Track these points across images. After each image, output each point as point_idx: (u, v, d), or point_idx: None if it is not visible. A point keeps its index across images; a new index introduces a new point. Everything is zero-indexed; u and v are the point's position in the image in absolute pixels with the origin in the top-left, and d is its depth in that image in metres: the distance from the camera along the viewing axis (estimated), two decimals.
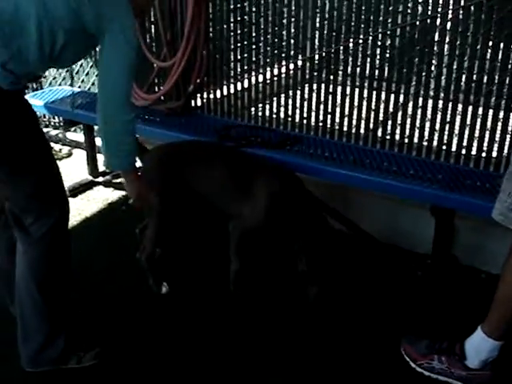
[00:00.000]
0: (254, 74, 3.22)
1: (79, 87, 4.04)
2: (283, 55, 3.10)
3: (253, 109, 3.33)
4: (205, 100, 3.46)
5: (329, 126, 3.06)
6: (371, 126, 2.91)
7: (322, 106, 3.04)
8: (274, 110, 3.21)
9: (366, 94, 2.90)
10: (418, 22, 2.64)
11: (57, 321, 2.15)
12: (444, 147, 2.75)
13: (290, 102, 3.15)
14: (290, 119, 3.18)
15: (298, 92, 3.10)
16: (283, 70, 3.13)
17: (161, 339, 2.36)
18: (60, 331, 2.15)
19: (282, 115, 3.20)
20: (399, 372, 2.17)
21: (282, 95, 3.18)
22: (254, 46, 3.16)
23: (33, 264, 2.08)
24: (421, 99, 2.74)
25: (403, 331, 2.35)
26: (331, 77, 2.96)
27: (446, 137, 2.73)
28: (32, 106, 2.09)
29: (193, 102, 3.49)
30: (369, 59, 2.85)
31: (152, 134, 3.31)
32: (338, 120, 3.01)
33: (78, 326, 2.29)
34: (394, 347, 2.25)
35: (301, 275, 2.51)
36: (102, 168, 3.94)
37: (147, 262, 2.63)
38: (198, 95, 3.46)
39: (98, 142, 4.03)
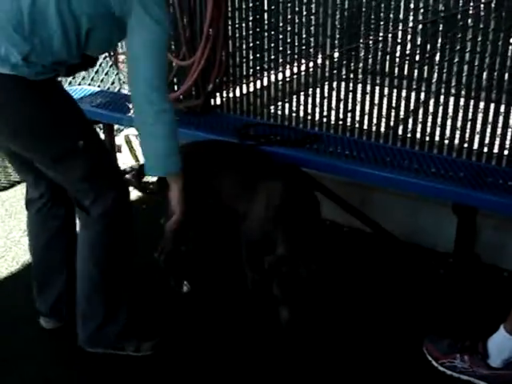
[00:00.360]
0: (273, 72, 3.22)
1: (98, 86, 4.07)
2: (303, 53, 3.09)
3: (272, 107, 3.32)
4: (224, 99, 3.46)
5: (349, 124, 3.04)
6: (392, 123, 2.88)
7: (341, 104, 3.02)
8: (294, 108, 3.20)
9: (386, 92, 2.87)
10: (439, 19, 2.62)
11: (116, 302, 2.17)
12: (466, 145, 2.72)
13: (310, 100, 3.13)
14: (309, 117, 3.17)
15: (318, 90, 3.08)
16: (303, 68, 3.12)
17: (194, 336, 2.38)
18: (118, 313, 2.18)
19: (301, 113, 3.19)
20: (421, 371, 2.16)
21: (302, 93, 3.17)
22: (273, 44, 3.15)
23: (92, 245, 2.11)
24: (442, 97, 2.72)
25: (426, 330, 2.34)
26: (351, 75, 2.94)
27: (467, 134, 2.70)
28: (66, 91, 2.06)
29: (212, 100, 3.49)
30: (389, 57, 2.83)
31: None
32: (358, 118, 3.00)
33: (140, 315, 2.35)
34: (417, 346, 2.24)
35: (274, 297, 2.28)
36: (121, 167, 3.97)
37: (165, 262, 2.63)
38: (218, 94, 3.46)
39: (118, 140, 4.07)
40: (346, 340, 2.34)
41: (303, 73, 3.14)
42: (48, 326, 2.39)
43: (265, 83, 3.29)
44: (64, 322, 2.38)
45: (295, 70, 3.12)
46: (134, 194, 3.70)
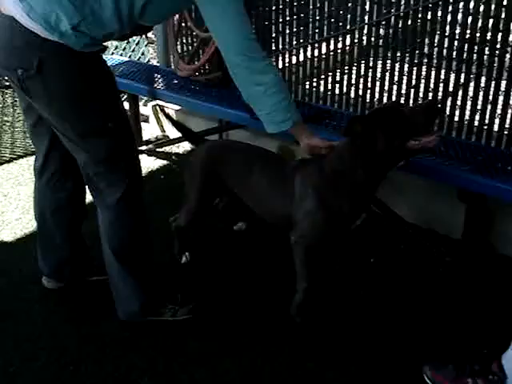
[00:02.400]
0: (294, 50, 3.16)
1: (129, 57, 4.11)
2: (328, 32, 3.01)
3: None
4: None
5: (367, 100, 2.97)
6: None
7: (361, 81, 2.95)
8: (314, 84, 3.14)
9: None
10: None
11: (138, 278, 2.22)
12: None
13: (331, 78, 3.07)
14: (329, 93, 3.11)
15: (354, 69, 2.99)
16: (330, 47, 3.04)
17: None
18: (143, 287, 2.24)
19: (321, 90, 3.13)
20: None
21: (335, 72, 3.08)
22: (295, 23, 3.09)
23: (107, 230, 2.15)
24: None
25: (425, 335, 2.24)
26: (388, 53, 2.83)
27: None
28: (110, 70, 2.05)
29: None
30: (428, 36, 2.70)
31: (190, 105, 3.34)
32: (376, 95, 2.91)
33: (170, 283, 2.48)
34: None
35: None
36: (146, 137, 4.02)
37: (176, 230, 2.65)
38: None
39: (142, 110, 4.11)
40: (354, 326, 2.30)
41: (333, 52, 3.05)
42: (49, 286, 2.48)
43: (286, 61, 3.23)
44: (65, 282, 2.47)
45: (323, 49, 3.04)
46: (156, 163, 3.74)
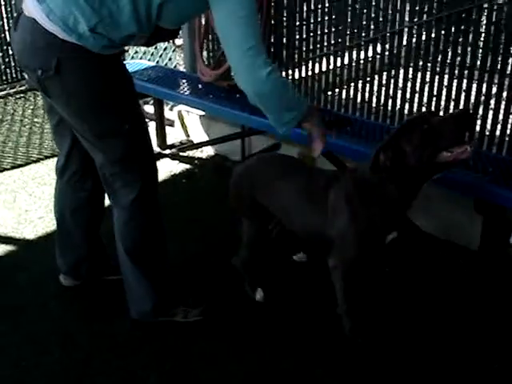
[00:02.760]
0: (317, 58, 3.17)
1: (157, 62, 4.17)
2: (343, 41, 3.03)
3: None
4: None
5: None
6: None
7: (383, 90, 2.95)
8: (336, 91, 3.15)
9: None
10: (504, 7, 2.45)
11: (151, 279, 2.25)
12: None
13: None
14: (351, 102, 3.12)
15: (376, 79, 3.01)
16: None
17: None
18: (155, 287, 2.26)
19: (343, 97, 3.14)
20: None
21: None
22: (318, 32, 3.12)
23: (121, 230, 2.19)
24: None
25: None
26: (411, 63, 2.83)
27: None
28: (129, 72, 2.09)
29: None
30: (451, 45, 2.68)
31: (213, 110, 3.38)
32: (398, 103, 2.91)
33: (184, 284, 2.49)
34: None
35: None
36: (170, 141, 4.07)
37: (243, 267, 2.48)
38: None
39: (168, 114, 4.16)
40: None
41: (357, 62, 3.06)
42: (66, 283, 2.53)
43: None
44: (81, 280, 2.52)
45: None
46: (179, 167, 3.79)
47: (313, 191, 2.17)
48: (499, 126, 2.58)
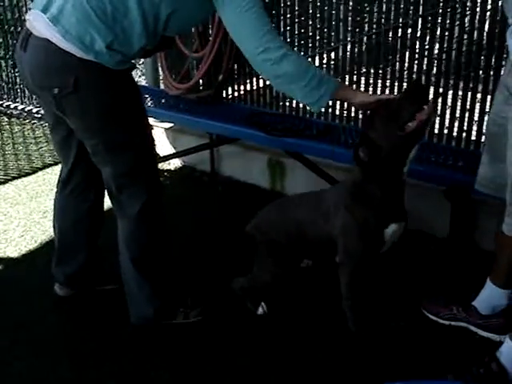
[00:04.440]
0: None
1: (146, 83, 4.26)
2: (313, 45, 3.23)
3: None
4: (236, 89, 3.61)
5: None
6: None
7: None
8: None
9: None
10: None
11: (154, 285, 2.32)
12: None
13: None
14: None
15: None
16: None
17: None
18: (157, 293, 2.33)
19: None
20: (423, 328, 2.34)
21: None
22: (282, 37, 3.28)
23: (127, 239, 2.25)
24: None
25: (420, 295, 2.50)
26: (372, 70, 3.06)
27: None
28: (137, 85, 2.17)
29: (224, 92, 3.65)
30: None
31: (183, 122, 3.49)
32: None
33: (183, 286, 2.56)
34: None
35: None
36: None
37: (242, 292, 2.52)
38: (230, 86, 3.61)
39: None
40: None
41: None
42: (61, 293, 2.57)
43: None
44: (77, 290, 2.57)
45: None
46: None
47: (317, 201, 2.35)
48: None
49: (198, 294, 2.56)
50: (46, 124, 2.62)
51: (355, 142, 2.17)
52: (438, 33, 2.78)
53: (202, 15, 2.15)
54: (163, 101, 3.68)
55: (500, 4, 2.52)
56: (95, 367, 2.20)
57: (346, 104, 3.18)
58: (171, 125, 4.02)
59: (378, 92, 3.08)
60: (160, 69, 3.90)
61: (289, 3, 3.23)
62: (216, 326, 2.42)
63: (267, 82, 3.40)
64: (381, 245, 2.24)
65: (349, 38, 3.07)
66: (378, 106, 2.07)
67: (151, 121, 3.93)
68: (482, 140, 2.77)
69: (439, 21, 2.76)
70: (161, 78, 4.07)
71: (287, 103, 3.45)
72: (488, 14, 2.63)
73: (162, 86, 4.04)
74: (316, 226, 2.33)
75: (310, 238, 2.37)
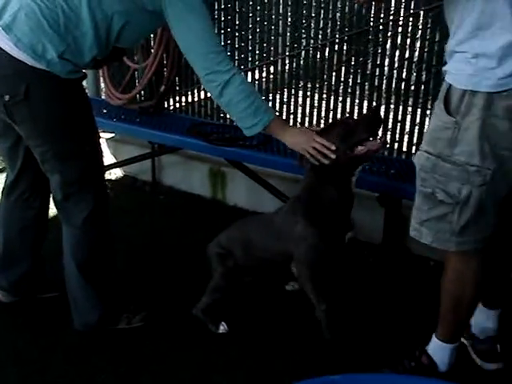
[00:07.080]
0: None
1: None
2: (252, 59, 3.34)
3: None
4: (177, 100, 3.68)
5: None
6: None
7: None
8: None
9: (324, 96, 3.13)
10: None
11: (99, 292, 2.34)
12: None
13: None
14: None
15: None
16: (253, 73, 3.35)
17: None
18: (102, 300, 2.35)
19: None
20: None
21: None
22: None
23: (73, 247, 2.27)
24: None
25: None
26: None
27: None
28: (88, 96, 2.19)
29: (166, 103, 3.71)
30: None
31: (126, 131, 3.52)
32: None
33: (126, 293, 2.59)
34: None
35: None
36: None
37: (203, 314, 2.49)
38: (171, 97, 3.67)
39: None
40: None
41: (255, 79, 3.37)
42: (5, 300, 2.55)
43: None
44: (20, 297, 2.55)
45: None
46: None
47: (269, 221, 2.40)
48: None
49: (140, 301, 2.59)
50: None
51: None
52: (371, 49, 2.95)
53: (153, 27, 2.22)
54: (105, 111, 3.69)
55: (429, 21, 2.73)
56: (40, 373, 2.20)
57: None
58: (112, 135, 4.03)
59: (315, 104, 3.22)
60: (102, 79, 3.91)
61: (229, 17, 3.34)
62: (158, 331, 2.45)
63: (208, 94, 3.50)
64: (341, 249, 2.35)
65: (287, 53, 3.21)
66: (339, 121, 2.23)
67: None
68: (413, 151, 2.95)
69: (371, 37, 2.93)
70: (102, 87, 4.08)
71: (228, 114, 3.53)
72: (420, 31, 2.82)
73: (103, 96, 4.05)
74: (267, 245, 2.38)
75: (262, 256, 2.42)
